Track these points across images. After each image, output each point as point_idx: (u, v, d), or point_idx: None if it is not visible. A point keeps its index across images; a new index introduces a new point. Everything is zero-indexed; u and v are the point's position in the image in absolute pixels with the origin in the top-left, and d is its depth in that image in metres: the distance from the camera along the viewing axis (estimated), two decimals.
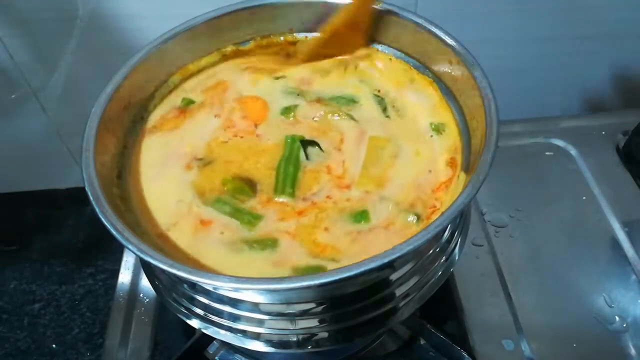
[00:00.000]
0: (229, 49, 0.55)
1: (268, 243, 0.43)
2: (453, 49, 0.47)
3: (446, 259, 0.47)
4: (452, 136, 0.49)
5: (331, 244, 0.43)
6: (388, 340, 0.58)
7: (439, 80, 0.51)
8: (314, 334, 0.44)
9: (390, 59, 0.54)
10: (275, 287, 0.35)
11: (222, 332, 0.45)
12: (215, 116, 0.52)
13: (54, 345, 0.63)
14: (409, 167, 0.48)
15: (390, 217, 0.44)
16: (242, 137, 0.51)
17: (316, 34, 0.54)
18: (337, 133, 0.51)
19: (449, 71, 0.49)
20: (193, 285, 0.44)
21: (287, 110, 0.53)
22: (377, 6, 0.51)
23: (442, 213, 0.36)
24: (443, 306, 0.58)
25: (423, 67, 0.52)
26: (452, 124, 0.49)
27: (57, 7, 0.63)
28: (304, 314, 0.43)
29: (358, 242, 0.43)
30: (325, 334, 0.44)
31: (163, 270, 0.36)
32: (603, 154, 0.73)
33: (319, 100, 0.53)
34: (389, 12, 0.51)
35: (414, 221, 0.44)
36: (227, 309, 0.44)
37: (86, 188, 0.40)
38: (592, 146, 0.73)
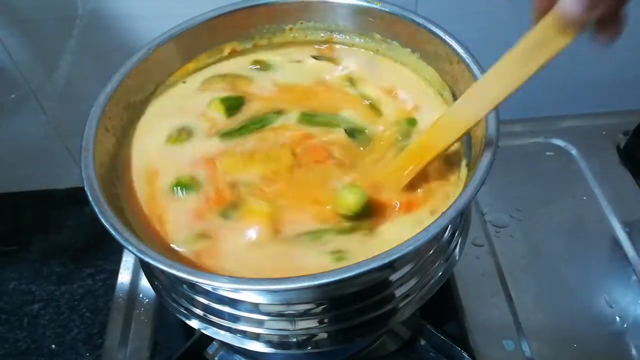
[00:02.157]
0: (229, 47, 0.55)
1: None
2: (453, 48, 0.47)
3: (446, 260, 0.47)
4: None
5: None
6: (388, 340, 0.58)
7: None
8: (314, 335, 0.44)
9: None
10: (274, 288, 0.34)
11: (222, 332, 0.44)
12: None
13: (53, 346, 0.63)
14: None
15: None
16: None
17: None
18: None
19: (449, 71, 0.49)
20: (192, 286, 0.44)
21: None
22: (376, 6, 0.51)
23: (443, 213, 0.36)
24: (443, 306, 0.58)
25: None
26: None
27: (57, 7, 0.63)
28: (304, 314, 0.43)
29: None
30: (325, 335, 0.44)
31: (162, 271, 0.36)
32: (604, 153, 0.73)
33: None
34: (388, 12, 0.51)
35: None
36: (227, 309, 0.43)
37: (85, 188, 0.40)
38: (593, 146, 0.73)
